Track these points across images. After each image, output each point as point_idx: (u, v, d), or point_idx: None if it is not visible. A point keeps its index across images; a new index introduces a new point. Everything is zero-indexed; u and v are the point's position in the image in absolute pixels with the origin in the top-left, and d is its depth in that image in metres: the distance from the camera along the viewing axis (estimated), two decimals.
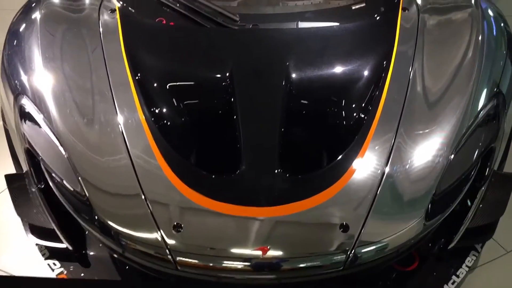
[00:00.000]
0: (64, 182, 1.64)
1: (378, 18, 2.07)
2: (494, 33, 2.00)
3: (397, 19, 2.01)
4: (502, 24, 2.09)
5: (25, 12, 2.13)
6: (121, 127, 1.70)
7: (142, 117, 1.73)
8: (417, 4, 2.08)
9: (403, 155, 1.63)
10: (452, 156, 1.63)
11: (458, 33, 1.94)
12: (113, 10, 2.07)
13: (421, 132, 1.67)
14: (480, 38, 1.90)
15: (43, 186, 1.75)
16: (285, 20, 2.05)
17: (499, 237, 2.10)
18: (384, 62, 1.86)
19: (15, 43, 1.99)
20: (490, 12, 2.09)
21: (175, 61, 1.94)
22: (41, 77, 1.81)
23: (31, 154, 1.74)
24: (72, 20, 2.04)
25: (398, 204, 1.58)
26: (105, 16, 2.04)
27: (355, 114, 1.76)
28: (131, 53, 1.90)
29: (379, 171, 1.60)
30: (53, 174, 1.66)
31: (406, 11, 2.05)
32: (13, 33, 2.05)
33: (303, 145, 1.75)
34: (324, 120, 1.78)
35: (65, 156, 1.64)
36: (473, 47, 1.87)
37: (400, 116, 1.71)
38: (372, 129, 1.69)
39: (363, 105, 1.77)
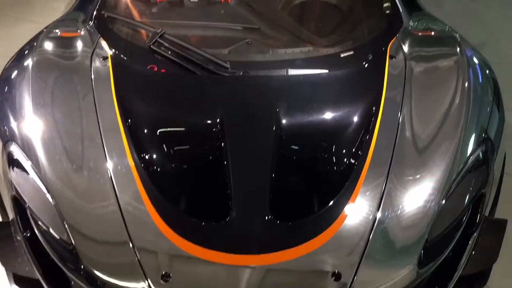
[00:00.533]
0: (51, 230, 1.60)
1: (366, 65, 2.11)
2: (480, 80, 2.04)
3: (384, 66, 2.05)
4: (487, 71, 2.13)
5: (18, 59, 2.15)
6: (110, 173, 1.68)
7: (131, 163, 1.72)
8: (403, 52, 2.13)
9: (394, 200, 1.63)
10: (443, 201, 1.63)
11: (445, 80, 1.98)
12: (105, 58, 2.09)
13: (411, 177, 1.68)
14: (466, 85, 1.93)
15: (29, 234, 1.71)
16: (275, 67, 2.08)
17: (493, 284, 2.06)
18: (373, 108, 1.88)
19: (6, 90, 2.00)
20: (475, 60, 2.14)
21: (166, 107, 1.95)
22: (30, 123, 1.81)
23: (17, 202, 1.71)
24: (64, 67, 2.06)
25: (390, 251, 1.56)
26: (97, 63, 2.06)
27: (345, 160, 1.76)
28: (122, 99, 1.91)
29: (370, 217, 1.59)
30: (40, 222, 1.63)
31: (393, 58, 2.09)
32: (4, 80, 2.06)
33: (293, 191, 1.74)
34: (314, 166, 1.78)
35: (52, 203, 1.62)
36: (460, 93, 1.90)
37: (390, 162, 1.72)
38: (362, 175, 1.69)
39: (353, 150, 1.78)
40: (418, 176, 1.68)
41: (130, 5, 2.47)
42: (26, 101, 1.88)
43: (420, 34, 2.30)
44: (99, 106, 1.87)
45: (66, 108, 1.87)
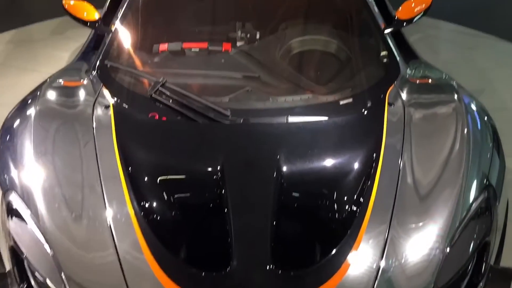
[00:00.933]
0: (48, 281, 1.57)
1: (365, 112, 2.13)
2: (479, 126, 2.05)
3: (383, 113, 2.07)
4: (485, 118, 2.15)
5: (20, 108, 2.17)
6: (110, 221, 1.67)
7: (131, 211, 1.70)
8: (402, 99, 2.15)
9: (398, 248, 1.61)
10: (448, 250, 1.60)
11: (444, 127, 1.99)
12: (107, 106, 2.11)
13: (414, 225, 1.66)
14: (465, 131, 1.94)
15: (25, 286, 1.67)
16: (275, 115, 2.09)
17: None
18: (374, 155, 1.88)
19: (7, 139, 2.00)
20: (473, 106, 2.16)
21: (167, 155, 1.96)
22: (31, 172, 1.81)
23: (15, 252, 1.69)
24: (66, 115, 2.08)
25: None
26: (99, 112, 2.08)
27: (347, 207, 1.75)
28: (123, 147, 1.91)
29: (374, 266, 1.56)
30: (37, 273, 1.60)
31: (392, 106, 2.11)
32: (6, 129, 2.07)
33: (295, 239, 1.72)
34: (316, 213, 1.76)
35: (50, 254, 1.59)
36: (460, 140, 1.91)
37: (392, 208, 1.70)
38: (365, 222, 1.67)
39: (355, 197, 1.77)
40: (421, 224, 1.66)
41: (132, 55, 2.53)
42: (27, 150, 1.88)
43: (417, 81, 2.34)
44: (100, 154, 1.87)
45: (67, 156, 1.88)
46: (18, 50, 4.67)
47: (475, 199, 1.75)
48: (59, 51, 4.54)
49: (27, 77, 4.03)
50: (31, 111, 2.06)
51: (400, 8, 2.59)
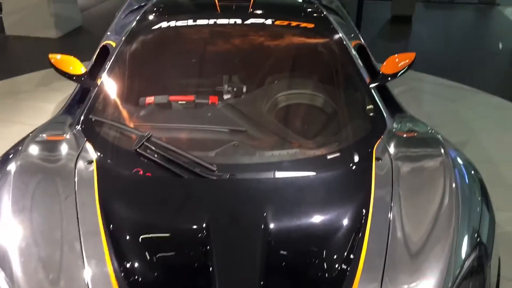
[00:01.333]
0: None
1: (353, 167, 2.11)
2: (467, 180, 2.04)
3: (371, 168, 2.05)
4: (472, 172, 2.14)
5: (1, 163, 2.11)
6: (88, 282, 1.59)
7: (111, 271, 1.63)
8: (389, 154, 2.14)
9: None
10: None
11: (432, 181, 1.98)
12: (90, 161, 2.07)
13: (406, 285, 1.60)
14: (454, 186, 1.93)
15: None
16: (262, 170, 2.07)
17: None
18: (363, 210, 1.85)
19: None
20: (460, 160, 2.16)
21: (150, 212, 1.90)
22: (7, 231, 1.73)
23: None
24: (48, 170, 2.02)
25: None
26: (82, 166, 2.03)
27: (337, 265, 1.70)
28: (105, 204, 1.86)
29: None
30: None
31: (380, 160, 2.10)
32: None
33: None
34: (305, 272, 1.70)
35: None
36: (449, 195, 1.89)
37: (383, 266, 1.66)
38: (356, 280, 1.62)
39: (345, 254, 1.72)
40: (413, 283, 1.61)
41: (117, 109, 2.50)
42: (5, 207, 1.81)
43: (404, 135, 2.34)
44: (80, 210, 1.82)
45: (46, 213, 1.81)
46: (3, 102, 4.64)
47: (467, 256, 1.71)
48: (44, 103, 4.52)
49: (12, 129, 3.99)
50: (12, 166, 2.01)
51: (385, 62, 2.63)
